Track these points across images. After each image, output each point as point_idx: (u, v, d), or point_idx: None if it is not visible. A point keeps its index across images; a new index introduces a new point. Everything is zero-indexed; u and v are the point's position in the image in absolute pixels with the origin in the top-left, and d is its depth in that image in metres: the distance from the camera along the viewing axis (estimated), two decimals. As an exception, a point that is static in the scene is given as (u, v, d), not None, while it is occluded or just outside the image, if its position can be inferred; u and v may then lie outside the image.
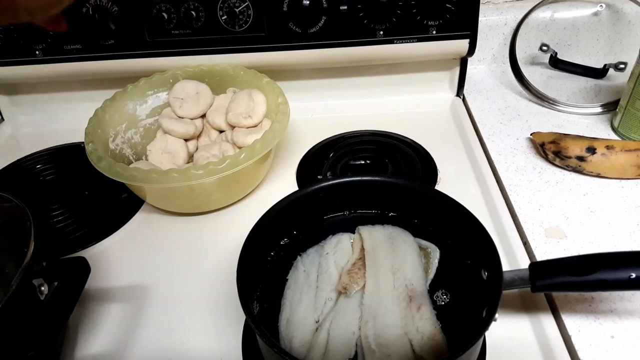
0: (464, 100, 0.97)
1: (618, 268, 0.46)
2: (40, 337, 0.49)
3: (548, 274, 0.49)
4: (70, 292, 0.52)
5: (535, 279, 0.49)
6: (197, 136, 0.86)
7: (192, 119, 0.84)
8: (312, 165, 0.85)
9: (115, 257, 0.71)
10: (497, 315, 0.45)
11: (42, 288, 0.52)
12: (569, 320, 0.56)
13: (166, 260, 0.70)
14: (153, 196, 0.75)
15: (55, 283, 0.53)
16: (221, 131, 0.85)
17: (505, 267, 0.62)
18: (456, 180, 0.79)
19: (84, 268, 0.51)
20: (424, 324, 0.50)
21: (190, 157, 0.83)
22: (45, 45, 0.87)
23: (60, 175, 0.88)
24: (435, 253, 0.57)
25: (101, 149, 0.73)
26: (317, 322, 0.52)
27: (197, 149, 0.84)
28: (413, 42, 0.85)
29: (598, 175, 0.74)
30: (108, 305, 0.64)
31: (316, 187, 0.59)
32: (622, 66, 0.93)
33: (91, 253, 0.72)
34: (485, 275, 0.51)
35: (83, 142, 0.73)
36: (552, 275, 0.49)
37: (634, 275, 0.45)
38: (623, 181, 0.74)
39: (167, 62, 0.88)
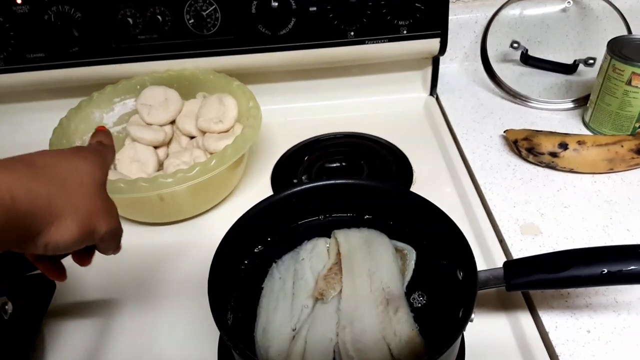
0: (437, 99, 0.97)
1: (590, 264, 0.46)
2: (5, 356, 0.47)
3: (522, 272, 0.49)
4: (36, 310, 0.50)
5: (510, 277, 0.49)
6: (167, 143, 0.84)
7: (161, 125, 0.83)
8: (287, 169, 0.84)
9: (83, 270, 0.68)
10: (473, 316, 0.45)
11: (7, 307, 0.50)
12: (546, 317, 0.56)
13: (137, 272, 0.68)
14: (122, 207, 0.71)
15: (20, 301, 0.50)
16: (192, 137, 0.83)
17: (482, 266, 0.63)
18: (432, 180, 0.79)
19: (49, 285, 0.49)
20: (401, 327, 0.49)
21: (161, 165, 0.81)
22: (7, 54, 0.84)
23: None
24: (411, 254, 0.57)
25: (67, 159, 0.71)
26: (294, 330, 0.51)
27: (167, 156, 0.82)
28: (384, 42, 0.84)
29: (571, 171, 0.75)
30: (77, 321, 0.61)
31: (289, 192, 0.58)
32: (592, 61, 0.94)
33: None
34: (460, 275, 0.50)
35: (48, 153, 0.71)
36: (526, 274, 0.48)
37: (605, 271, 0.45)
38: (595, 175, 0.74)
39: (134, 68, 0.86)
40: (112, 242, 0.44)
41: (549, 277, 0.47)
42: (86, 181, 0.40)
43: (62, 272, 0.46)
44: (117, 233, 0.44)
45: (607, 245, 0.49)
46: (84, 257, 0.46)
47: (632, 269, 0.45)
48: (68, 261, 0.69)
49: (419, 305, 0.51)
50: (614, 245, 0.49)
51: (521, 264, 0.51)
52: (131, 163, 0.79)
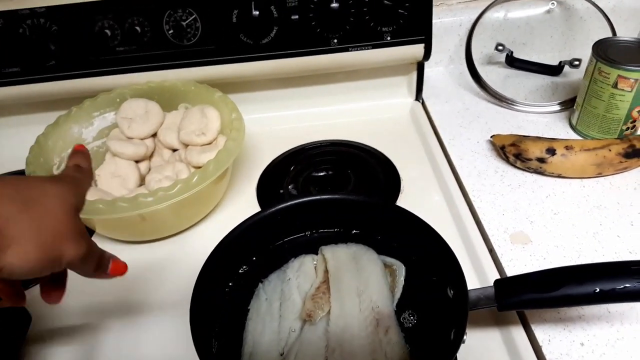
0: (423, 104, 0.96)
1: (583, 283, 0.45)
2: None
3: (514, 292, 0.48)
4: (10, 345, 0.47)
5: (501, 297, 0.48)
6: (149, 157, 0.82)
7: (142, 139, 0.81)
8: (273, 179, 0.83)
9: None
10: (465, 337, 0.44)
11: (-20, 340, 0.48)
12: (539, 330, 0.55)
13: (118, 293, 0.66)
14: (103, 226, 0.71)
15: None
16: (174, 150, 0.81)
17: (472, 277, 0.62)
18: (419, 188, 0.78)
19: (24, 317, 0.47)
20: (392, 349, 0.48)
21: (143, 180, 0.79)
22: (-19, 69, 0.82)
23: (5, 206, 0.83)
24: (400, 270, 0.56)
25: (45, 178, 0.69)
26: (282, 354, 0.50)
27: (149, 170, 0.80)
28: (368, 49, 0.83)
29: (559, 176, 0.74)
30: (57, 347, 0.59)
31: (273, 209, 0.57)
32: (577, 63, 0.93)
33: (37, 292, 0.67)
34: (451, 293, 0.49)
35: (26, 171, 0.69)
36: (518, 293, 0.47)
37: (598, 289, 0.44)
38: (584, 180, 0.73)
39: (114, 81, 0.84)
40: (84, 268, 0.42)
41: (541, 297, 0.46)
42: (54, 204, 0.39)
43: (20, 298, 0.44)
44: (87, 258, 0.42)
45: (599, 262, 0.48)
46: (51, 291, 0.43)
47: (625, 287, 0.44)
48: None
49: (410, 325, 0.50)
50: (607, 263, 0.48)
51: (512, 283, 0.50)
52: (112, 179, 0.77)
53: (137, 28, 0.80)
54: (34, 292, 0.66)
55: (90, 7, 0.78)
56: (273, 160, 0.87)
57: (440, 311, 0.49)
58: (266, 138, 0.91)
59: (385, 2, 0.79)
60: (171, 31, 0.80)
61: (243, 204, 0.79)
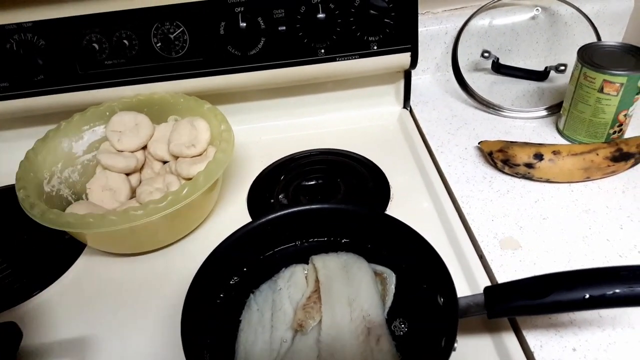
0: (411, 111, 0.96)
1: (573, 289, 0.45)
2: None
3: (503, 299, 0.48)
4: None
5: (491, 305, 0.48)
6: (140, 169, 0.82)
7: (132, 151, 0.81)
8: (263, 189, 0.83)
9: (57, 308, 0.67)
10: (456, 345, 0.44)
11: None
12: (530, 336, 0.55)
13: (111, 307, 0.66)
14: (94, 240, 0.70)
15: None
16: (164, 162, 0.81)
17: (463, 284, 0.62)
18: (409, 195, 0.78)
19: (15, 334, 0.47)
20: (383, 358, 0.48)
21: (134, 192, 0.79)
22: (-31, 84, 0.81)
23: (-5, 221, 0.83)
24: (391, 278, 0.56)
25: (34, 194, 0.68)
26: (273, 365, 0.49)
27: (140, 182, 0.80)
28: (355, 58, 0.83)
29: (547, 181, 0.74)
30: (49, 363, 0.59)
31: (263, 220, 0.57)
32: (563, 68, 0.94)
33: (31, 305, 0.67)
34: (441, 301, 0.50)
35: (16, 186, 0.69)
36: (507, 300, 0.48)
37: (588, 295, 0.45)
38: (572, 185, 0.74)
39: (103, 94, 0.84)
40: None
41: (531, 304, 0.46)
42: None
43: None
44: None
45: (588, 268, 0.48)
46: None
47: (615, 292, 0.44)
48: (38, 299, 0.67)
49: (401, 333, 0.50)
50: (596, 268, 0.48)
51: (502, 290, 0.50)
52: (103, 192, 0.77)
53: (125, 41, 0.80)
54: (25, 308, 0.67)
55: (78, 21, 0.78)
56: (263, 170, 0.87)
57: (431, 319, 0.50)
58: (256, 148, 0.92)
59: (371, 12, 0.79)
60: (159, 44, 0.81)
61: (234, 214, 0.79)
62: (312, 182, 0.83)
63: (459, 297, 0.46)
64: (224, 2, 0.78)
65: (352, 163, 0.86)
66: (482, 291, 0.50)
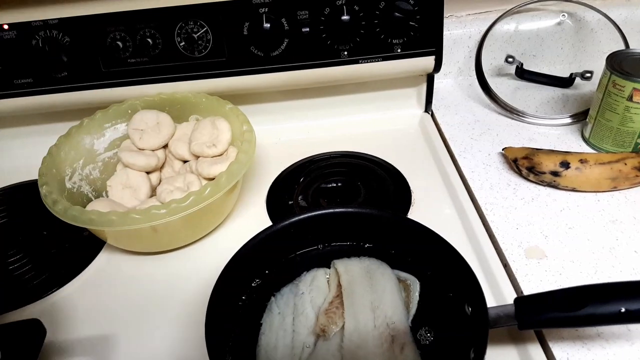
0: (432, 115, 0.95)
1: (608, 302, 0.44)
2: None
3: (535, 310, 0.47)
4: (27, 357, 0.47)
5: (522, 316, 0.47)
6: (160, 168, 0.82)
7: (153, 150, 0.81)
8: (282, 191, 0.82)
9: (77, 304, 0.67)
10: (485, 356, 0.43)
11: (-5, 355, 0.48)
12: (557, 348, 0.54)
13: (131, 305, 0.66)
14: (114, 238, 0.70)
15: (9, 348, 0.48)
16: (185, 161, 0.81)
17: (487, 292, 0.61)
18: (430, 201, 0.77)
19: (38, 331, 0.47)
20: (408, 367, 0.47)
21: (153, 191, 0.79)
22: (-7, 80, 0.82)
23: (16, 216, 0.83)
24: (415, 285, 0.55)
25: (56, 190, 0.69)
26: (295, 370, 0.49)
27: (160, 181, 0.80)
28: (378, 61, 0.83)
29: (573, 190, 0.73)
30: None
31: (287, 222, 0.56)
32: (589, 75, 0.93)
33: (51, 301, 0.68)
34: (469, 310, 0.49)
35: (38, 181, 0.69)
36: (539, 312, 0.46)
37: (624, 309, 0.43)
38: (598, 194, 0.73)
39: (125, 92, 0.84)
40: None
41: (564, 316, 0.45)
42: None
43: None
44: None
45: (624, 281, 0.47)
46: None
47: (652, 307, 0.43)
48: (58, 295, 0.67)
49: (427, 342, 0.49)
50: (633, 281, 0.47)
51: (534, 301, 0.49)
52: (123, 189, 0.77)
53: (149, 40, 0.80)
54: (48, 302, 0.67)
55: (102, 19, 0.78)
56: (282, 172, 0.86)
57: (458, 328, 0.49)
58: (275, 149, 0.91)
59: (396, 14, 0.79)
60: (182, 43, 0.81)
61: (253, 215, 0.78)
62: (331, 185, 0.83)
63: (489, 307, 0.45)
64: (248, 3, 0.78)
65: (372, 166, 0.85)
66: (509, 301, 0.49)
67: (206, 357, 0.44)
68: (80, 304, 0.67)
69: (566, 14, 0.97)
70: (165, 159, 0.82)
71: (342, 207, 0.58)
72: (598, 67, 0.79)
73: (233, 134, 0.77)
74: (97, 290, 0.69)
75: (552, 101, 0.94)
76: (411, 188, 0.79)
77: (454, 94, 1.00)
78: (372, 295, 0.54)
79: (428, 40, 0.82)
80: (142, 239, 0.69)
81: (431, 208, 0.75)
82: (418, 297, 0.54)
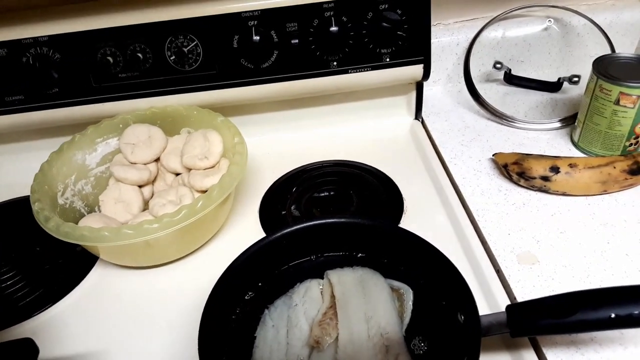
0: (422, 123, 0.96)
1: (599, 307, 0.45)
2: None
3: (527, 317, 0.47)
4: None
5: (514, 323, 0.47)
6: (152, 181, 0.82)
7: (145, 164, 0.81)
8: (275, 201, 0.83)
9: (70, 321, 0.67)
10: (477, 363, 0.43)
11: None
12: (551, 354, 0.54)
13: (125, 320, 0.66)
14: (107, 253, 0.70)
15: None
16: (177, 174, 0.81)
17: (480, 300, 0.61)
18: (422, 209, 0.77)
19: (31, 351, 0.47)
20: (402, 376, 0.47)
21: (146, 204, 0.79)
22: (-16, 97, 0.82)
23: (8, 232, 0.82)
24: (408, 294, 0.55)
25: (49, 206, 0.69)
26: (290, 383, 0.49)
27: (152, 194, 0.80)
28: (367, 70, 0.83)
29: (564, 194, 0.74)
30: (63, 378, 0.59)
31: (279, 234, 0.57)
32: (576, 79, 0.94)
33: (44, 319, 0.67)
34: (461, 318, 0.49)
35: (31, 197, 0.69)
36: (531, 319, 0.47)
37: (614, 315, 0.44)
38: (589, 198, 0.73)
39: (116, 107, 0.84)
40: None
41: (556, 323, 0.45)
42: None
43: None
44: None
45: (615, 286, 0.47)
46: None
47: (643, 311, 0.43)
48: (51, 312, 0.67)
49: (420, 352, 0.50)
50: (622, 286, 0.47)
51: (525, 309, 0.49)
52: (116, 204, 0.77)
53: (139, 55, 0.80)
54: (41, 319, 0.67)
55: (92, 35, 0.79)
56: (275, 182, 0.87)
57: (451, 337, 0.49)
58: (267, 160, 0.91)
59: (384, 24, 0.79)
60: (173, 57, 0.81)
61: (246, 226, 0.78)
62: (324, 194, 0.83)
63: (481, 316, 0.46)
64: (237, 16, 0.78)
65: (364, 175, 0.86)
66: (502, 307, 0.50)
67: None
68: (73, 321, 0.67)
69: (552, 20, 0.98)
70: (158, 172, 0.82)
71: (334, 217, 0.58)
72: (585, 71, 0.79)
73: (225, 146, 0.78)
74: (90, 306, 0.69)
75: (540, 106, 0.95)
76: (403, 195, 0.80)
77: (443, 101, 1.01)
78: (365, 305, 0.54)
79: (416, 48, 0.83)
80: (135, 254, 0.69)
81: (423, 215, 0.76)
82: (412, 306, 0.54)
